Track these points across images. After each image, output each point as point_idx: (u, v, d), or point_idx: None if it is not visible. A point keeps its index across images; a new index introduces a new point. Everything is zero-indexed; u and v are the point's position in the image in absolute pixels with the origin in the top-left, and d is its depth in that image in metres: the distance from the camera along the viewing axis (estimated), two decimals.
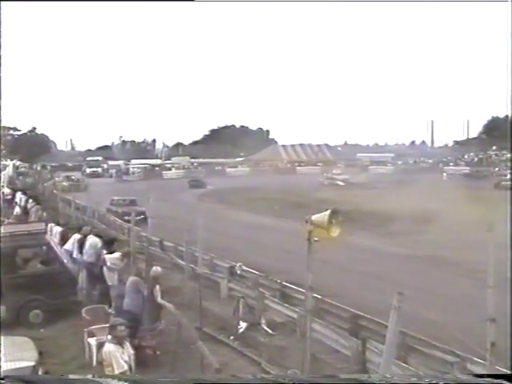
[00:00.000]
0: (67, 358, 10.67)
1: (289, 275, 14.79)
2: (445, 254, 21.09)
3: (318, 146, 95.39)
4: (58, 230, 17.48)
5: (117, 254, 13.80)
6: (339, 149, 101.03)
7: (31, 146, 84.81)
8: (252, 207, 37.38)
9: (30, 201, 25.85)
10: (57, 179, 51.67)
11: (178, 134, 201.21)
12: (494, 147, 79.81)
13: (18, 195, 28.37)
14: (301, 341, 9.96)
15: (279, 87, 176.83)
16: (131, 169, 74.39)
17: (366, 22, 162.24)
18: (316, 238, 8.25)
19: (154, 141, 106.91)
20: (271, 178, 61.67)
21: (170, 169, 78.10)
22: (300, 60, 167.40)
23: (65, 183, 51.51)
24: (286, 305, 12.96)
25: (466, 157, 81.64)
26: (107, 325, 8.81)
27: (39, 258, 14.24)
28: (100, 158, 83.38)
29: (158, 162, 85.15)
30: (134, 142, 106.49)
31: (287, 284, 14.07)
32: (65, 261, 14.40)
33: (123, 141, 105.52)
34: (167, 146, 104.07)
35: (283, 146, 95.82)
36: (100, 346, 9.07)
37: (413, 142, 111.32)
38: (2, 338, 8.67)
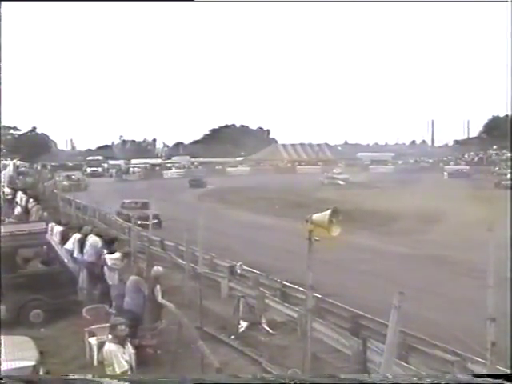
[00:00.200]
0: (68, 357, 10.66)
1: (289, 274, 14.78)
2: (445, 254, 21.10)
3: (319, 145, 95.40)
4: (58, 229, 17.47)
5: (117, 254, 13.79)
6: (339, 148, 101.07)
7: (31, 146, 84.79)
8: (252, 207, 37.39)
9: (31, 200, 25.83)
10: (57, 179, 51.64)
11: (179, 133, 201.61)
12: (495, 146, 79.80)
13: (19, 195, 28.35)
14: (301, 340, 9.96)
15: (279, 87, 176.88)
16: (131, 168, 74.43)
17: (366, 21, 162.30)
18: (316, 238, 8.25)
19: (154, 140, 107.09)
20: (271, 177, 61.71)
21: (170, 168, 78.14)
22: (300, 59, 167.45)
23: (65, 183, 51.56)
24: (286, 304, 12.95)
25: (466, 156, 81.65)
26: (108, 324, 8.81)
27: (40, 257, 14.24)
28: (100, 158, 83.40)
29: (159, 161, 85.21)
30: (134, 141, 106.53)
31: (287, 283, 14.07)
32: (65, 260, 14.40)
33: (123, 140, 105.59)
34: (167, 146, 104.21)
35: (283, 145, 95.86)
36: (101, 345, 9.07)
37: (413, 142, 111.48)
38: (3, 337, 8.67)
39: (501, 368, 7.38)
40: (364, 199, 37.85)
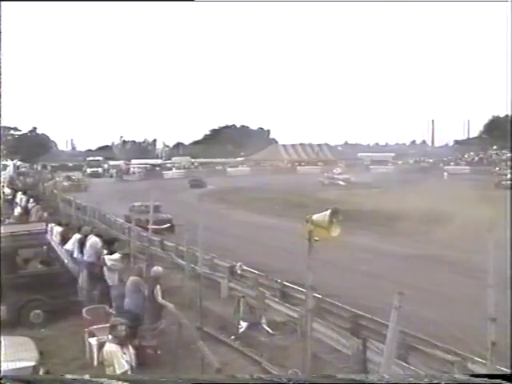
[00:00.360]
0: (68, 358, 10.67)
1: (289, 274, 14.78)
2: (446, 254, 21.11)
3: (319, 145, 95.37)
4: (58, 229, 17.49)
5: (116, 255, 13.79)
6: (340, 148, 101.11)
7: (32, 146, 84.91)
8: (252, 207, 37.37)
9: (31, 201, 25.88)
10: (57, 179, 51.64)
11: (179, 133, 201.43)
12: (495, 147, 79.82)
13: (19, 195, 28.40)
14: (301, 340, 9.96)
15: (279, 87, 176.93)
16: (132, 169, 74.40)
17: (366, 21, 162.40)
18: (316, 238, 8.25)
19: (154, 141, 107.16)
20: (272, 177, 61.69)
21: (170, 169, 78.09)
22: (300, 60, 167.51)
23: (65, 183, 51.53)
24: (286, 304, 12.95)
25: (466, 156, 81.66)
26: (108, 325, 8.81)
27: (40, 257, 14.24)
28: (100, 158, 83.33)
29: (159, 161, 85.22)
30: (134, 141, 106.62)
31: (288, 283, 14.06)
32: (65, 261, 14.41)
33: (124, 141, 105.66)
34: (168, 146, 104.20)
35: (284, 145, 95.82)
36: (101, 345, 9.06)
37: (413, 142, 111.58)
38: (3, 338, 8.67)
39: (500, 368, 7.37)
40: (364, 199, 37.84)
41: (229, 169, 77.11)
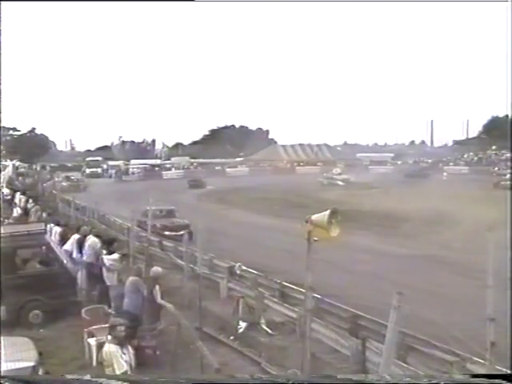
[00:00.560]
0: (67, 358, 10.67)
1: (288, 275, 14.78)
2: (446, 254, 21.12)
3: (318, 145, 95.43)
4: (57, 230, 17.49)
5: (115, 255, 13.78)
6: (339, 149, 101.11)
7: (31, 147, 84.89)
8: (252, 207, 37.37)
9: (30, 201, 25.87)
10: (56, 179, 51.68)
11: (178, 134, 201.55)
12: (494, 147, 79.88)
13: (18, 195, 28.40)
14: (300, 341, 9.96)
15: (279, 87, 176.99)
16: (131, 169, 74.36)
17: (365, 21, 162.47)
18: (316, 238, 8.25)
19: (153, 141, 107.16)
20: (271, 178, 61.71)
21: (169, 169, 78.08)
22: (299, 60, 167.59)
23: (64, 183, 51.53)
24: (285, 305, 12.96)
25: (465, 156, 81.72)
26: (107, 325, 8.80)
27: (39, 258, 14.22)
28: (99, 159, 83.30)
29: (158, 162, 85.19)
30: (133, 142, 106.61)
31: (287, 284, 14.07)
32: (64, 261, 14.39)
33: (123, 141, 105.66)
34: (167, 146, 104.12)
35: (283, 145, 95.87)
36: (100, 346, 9.06)
37: (412, 142, 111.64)
38: (2, 338, 8.67)
39: (500, 368, 7.38)
40: (363, 200, 37.85)
41: (228, 169, 77.09)
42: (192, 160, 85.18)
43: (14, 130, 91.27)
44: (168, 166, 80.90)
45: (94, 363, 9.96)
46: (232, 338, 12.24)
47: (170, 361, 9.66)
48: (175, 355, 9.53)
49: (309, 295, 8.94)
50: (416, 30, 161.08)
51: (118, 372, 7.26)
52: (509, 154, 62.21)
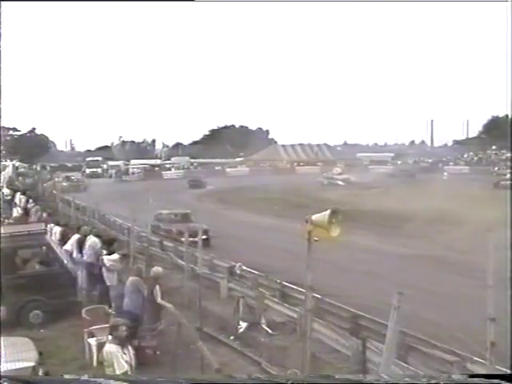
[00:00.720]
0: (67, 358, 10.67)
1: (288, 275, 14.78)
2: (445, 254, 21.12)
3: (318, 145, 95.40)
4: (57, 230, 17.49)
5: (115, 255, 13.78)
6: (339, 149, 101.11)
7: (31, 147, 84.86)
8: (252, 207, 37.36)
9: (30, 201, 25.87)
10: (56, 180, 51.64)
11: (178, 134, 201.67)
12: (494, 147, 79.85)
13: (18, 196, 28.38)
14: (301, 341, 9.96)
15: (279, 87, 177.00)
16: (131, 169, 74.34)
17: (365, 21, 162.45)
18: (316, 238, 8.25)
19: (153, 141, 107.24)
20: (271, 178, 61.68)
21: (169, 169, 78.08)
22: (299, 60, 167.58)
23: (64, 183, 51.51)
24: (285, 305, 12.95)
25: (465, 156, 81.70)
26: (107, 325, 8.81)
27: (39, 258, 14.22)
28: (100, 159, 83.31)
29: (158, 162, 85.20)
30: (133, 142, 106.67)
31: (287, 284, 14.06)
32: (64, 261, 14.39)
33: (123, 141, 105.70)
34: (167, 146, 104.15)
35: (283, 145, 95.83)
36: (100, 346, 9.06)
37: (412, 142, 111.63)
38: (2, 338, 8.67)
39: (499, 368, 7.38)
40: (364, 200, 37.82)
41: (228, 169, 77.07)
42: (192, 160, 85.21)
43: (14, 130, 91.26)
44: (168, 166, 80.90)
45: (95, 363, 9.96)
46: (232, 338, 12.24)
47: (170, 361, 9.65)
48: (175, 355, 9.52)
49: (309, 295, 8.94)
50: (416, 30, 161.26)
51: (118, 372, 7.26)
52: (509, 154, 62.16)
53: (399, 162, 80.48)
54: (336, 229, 8.16)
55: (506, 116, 78.35)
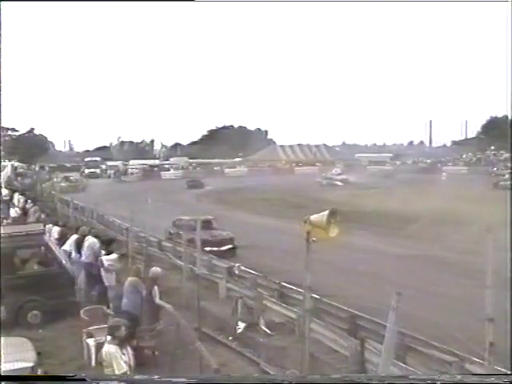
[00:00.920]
0: (66, 358, 10.65)
1: (287, 275, 14.78)
2: (444, 255, 21.14)
3: (317, 146, 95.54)
4: (56, 230, 17.47)
5: (113, 256, 13.76)
6: (337, 149, 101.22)
7: (29, 147, 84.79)
8: (250, 207, 37.37)
9: (29, 201, 25.86)
10: (55, 180, 51.62)
11: (177, 134, 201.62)
12: (493, 147, 79.92)
13: (17, 196, 28.37)
14: (299, 341, 9.96)
15: (277, 88, 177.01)
16: (129, 169, 74.33)
17: (364, 22, 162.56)
18: (314, 238, 8.24)
19: (152, 141, 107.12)
20: (269, 178, 61.70)
21: (168, 169, 78.08)
22: (298, 60, 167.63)
23: (63, 184, 51.50)
24: (284, 305, 12.95)
25: (464, 156, 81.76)
26: (106, 325, 8.80)
27: (37, 258, 14.20)
28: (98, 159, 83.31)
29: (157, 162, 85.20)
30: (132, 142, 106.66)
31: (285, 284, 14.07)
32: (63, 261, 14.37)
33: (121, 141, 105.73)
34: (165, 147, 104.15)
35: (281, 146, 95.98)
36: (99, 346, 9.06)
37: (411, 142, 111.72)
38: (0, 338, 8.65)
39: (498, 368, 7.39)
40: (363, 200, 37.85)
41: (227, 169, 77.07)
42: (191, 160, 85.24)
43: (13, 130, 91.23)
44: (167, 166, 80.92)
45: (93, 363, 9.95)
46: (231, 338, 12.23)
47: (168, 361, 9.65)
48: (174, 355, 9.52)
49: (307, 295, 8.93)
50: (415, 31, 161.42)
51: (117, 372, 7.25)
52: (507, 155, 62.24)
53: (398, 163, 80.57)
54: (334, 229, 8.15)
55: (505, 116, 78.56)
